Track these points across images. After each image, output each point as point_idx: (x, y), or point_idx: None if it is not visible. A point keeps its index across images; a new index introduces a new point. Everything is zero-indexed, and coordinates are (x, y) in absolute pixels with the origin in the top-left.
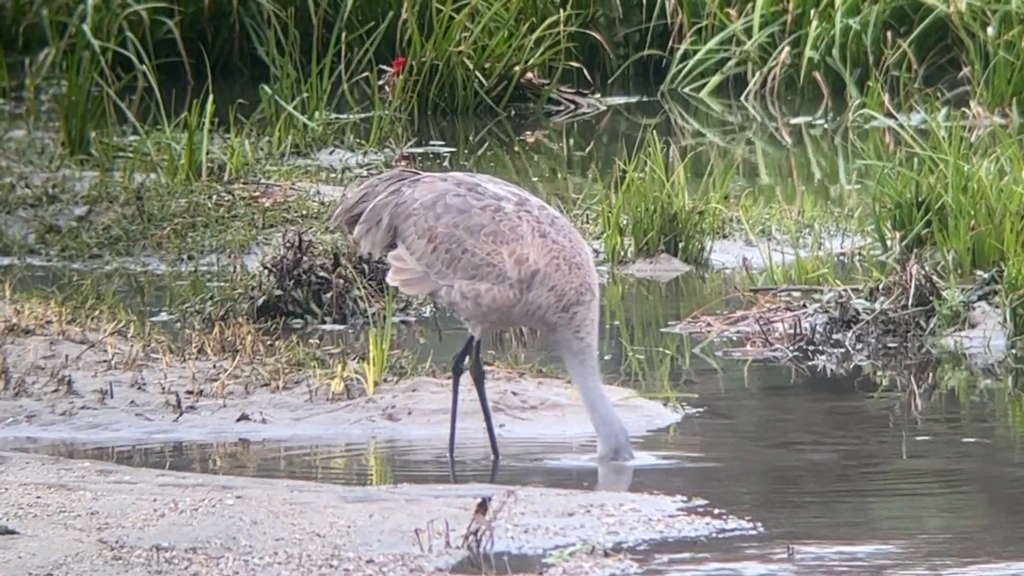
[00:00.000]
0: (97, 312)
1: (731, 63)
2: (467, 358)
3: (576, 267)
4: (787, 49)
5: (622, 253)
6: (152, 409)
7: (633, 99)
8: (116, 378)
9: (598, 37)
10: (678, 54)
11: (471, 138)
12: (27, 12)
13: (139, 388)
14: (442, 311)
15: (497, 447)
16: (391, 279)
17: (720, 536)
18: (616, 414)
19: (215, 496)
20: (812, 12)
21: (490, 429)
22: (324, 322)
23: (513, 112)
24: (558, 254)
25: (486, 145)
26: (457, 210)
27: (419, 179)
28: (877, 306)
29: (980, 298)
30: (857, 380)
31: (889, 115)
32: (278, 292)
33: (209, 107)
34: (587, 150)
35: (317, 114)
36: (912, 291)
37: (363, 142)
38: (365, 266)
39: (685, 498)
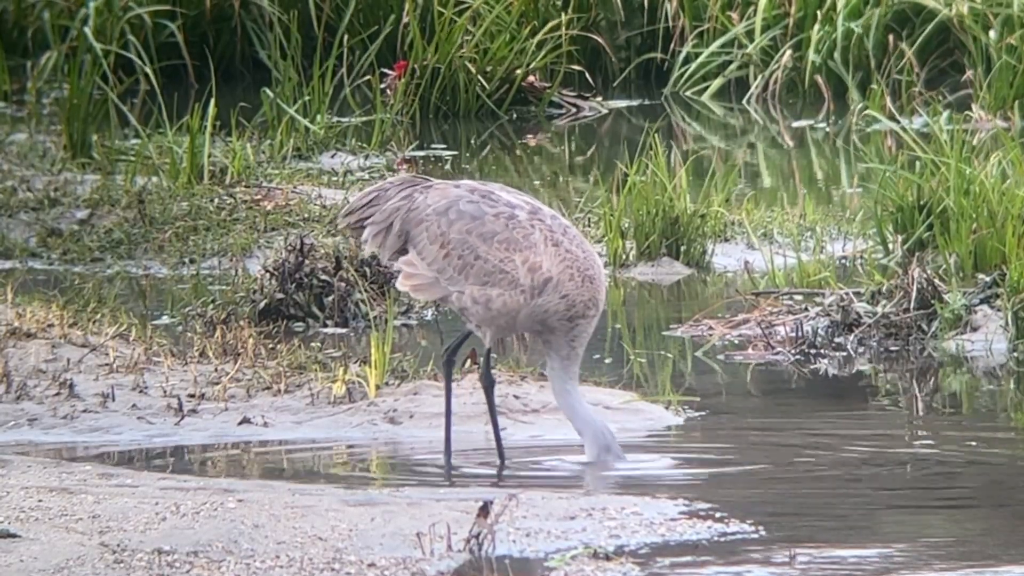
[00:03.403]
0: (99, 315)
1: (733, 66)
2: (459, 350)
3: (589, 280)
4: (789, 52)
5: (624, 256)
6: (154, 412)
7: (635, 102)
8: (118, 381)
9: (600, 40)
10: (680, 57)
11: (473, 141)
12: (29, 15)
13: (141, 391)
14: (444, 314)
15: (503, 451)
16: (401, 284)
17: (722, 540)
18: (597, 416)
19: (217, 500)
20: (814, 15)
21: (496, 433)
22: (326, 325)
23: (515, 115)
24: (571, 264)
25: (488, 148)
26: (470, 216)
27: (431, 185)
28: (879, 309)
29: (982, 301)
30: (859, 383)
31: (891, 118)
32: (280, 295)
33: (211, 110)
34: (589, 153)
35: (319, 117)
36: (914, 294)
37: (365, 145)
38: (367, 269)
39: (687, 502)
